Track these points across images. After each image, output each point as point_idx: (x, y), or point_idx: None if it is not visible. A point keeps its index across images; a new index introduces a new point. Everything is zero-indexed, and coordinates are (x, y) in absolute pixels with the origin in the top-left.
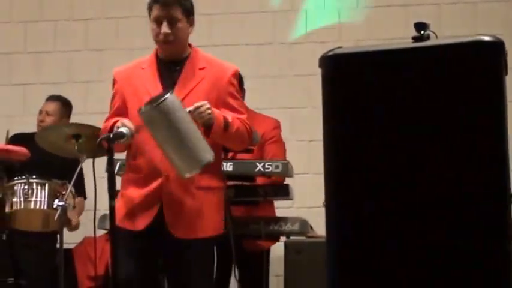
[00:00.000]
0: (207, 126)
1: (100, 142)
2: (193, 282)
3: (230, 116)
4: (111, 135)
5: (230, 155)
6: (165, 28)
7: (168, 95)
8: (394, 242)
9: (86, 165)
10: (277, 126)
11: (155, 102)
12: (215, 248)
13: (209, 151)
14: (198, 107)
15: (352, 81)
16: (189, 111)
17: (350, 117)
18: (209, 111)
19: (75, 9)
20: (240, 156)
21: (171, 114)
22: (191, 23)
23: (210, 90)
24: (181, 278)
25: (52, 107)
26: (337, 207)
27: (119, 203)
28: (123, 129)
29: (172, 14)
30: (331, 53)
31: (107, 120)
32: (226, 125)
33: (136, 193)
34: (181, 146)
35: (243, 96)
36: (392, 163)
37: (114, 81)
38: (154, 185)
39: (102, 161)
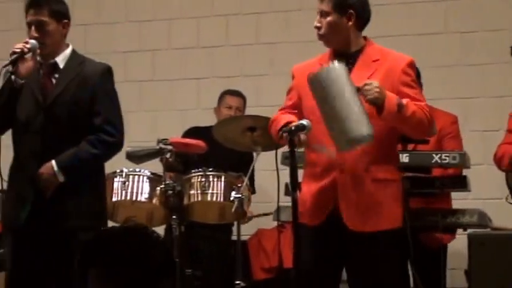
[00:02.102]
0: (376, 106)
1: (281, 135)
2: (378, 277)
3: (405, 100)
4: (293, 128)
5: (411, 146)
6: (315, 21)
7: (334, 64)
8: None
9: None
10: (454, 121)
11: (322, 69)
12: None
13: (367, 126)
14: (366, 84)
15: None
16: (357, 88)
17: None
18: (377, 89)
19: (245, 4)
20: (417, 147)
21: (334, 82)
22: (349, 17)
23: (383, 81)
24: (365, 273)
25: (239, 102)
26: None
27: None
28: (304, 122)
29: (321, 7)
30: None
31: (280, 110)
32: (400, 106)
33: (312, 187)
34: (338, 116)
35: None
36: None
37: (293, 77)
38: (329, 178)
39: (268, 155)
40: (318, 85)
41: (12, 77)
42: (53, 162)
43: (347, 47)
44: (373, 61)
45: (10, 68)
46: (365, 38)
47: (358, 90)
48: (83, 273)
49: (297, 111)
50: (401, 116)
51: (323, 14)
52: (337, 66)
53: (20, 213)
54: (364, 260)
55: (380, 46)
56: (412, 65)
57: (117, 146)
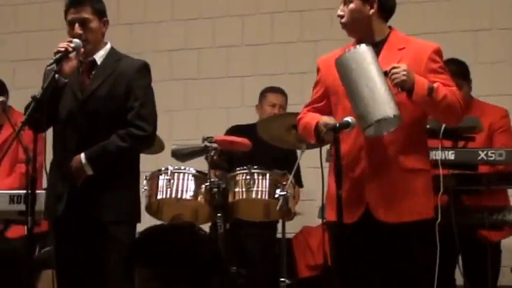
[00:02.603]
0: (404, 89)
1: (326, 132)
2: (410, 267)
3: (436, 83)
4: (338, 125)
5: (461, 143)
6: (338, 10)
7: (360, 46)
8: None
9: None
10: (505, 115)
11: (348, 50)
12: (435, 235)
13: (391, 107)
14: (394, 67)
15: None
16: (385, 72)
17: None
18: (404, 72)
19: (290, 1)
20: (467, 145)
21: (359, 63)
22: (371, 5)
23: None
24: (398, 265)
25: (282, 99)
26: None
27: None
28: (348, 119)
29: None
30: None
31: (306, 106)
32: (430, 89)
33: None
34: (363, 97)
35: (470, 87)
36: None
37: (318, 70)
38: (357, 171)
39: (313, 152)
40: (344, 67)
41: (56, 76)
42: (82, 154)
43: (370, 36)
44: (399, 49)
45: (54, 67)
46: (390, 27)
47: (386, 74)
48: (130, 271)
49: (323, 102)
50: (432, 99)
51: (346, 2)
52: (363, 48)
53: (57, 207)
54: (389, 251)
55: (405, 35)
56: (438, 52)
57: (146, 140)
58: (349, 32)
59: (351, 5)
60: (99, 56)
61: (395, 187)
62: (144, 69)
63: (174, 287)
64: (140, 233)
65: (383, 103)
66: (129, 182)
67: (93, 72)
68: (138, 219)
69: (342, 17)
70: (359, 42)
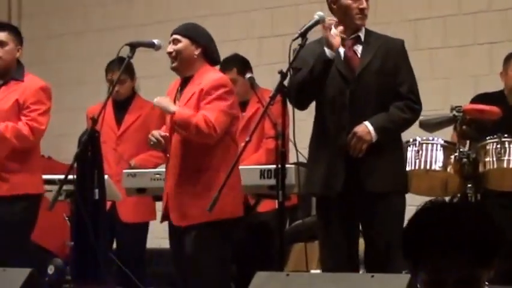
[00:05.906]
0: None
1: None
2: None
3: None
4: None
5: None
6: None
7: None
8: None
9: None
10: None
11: None
12: None
13: None
14: None
15: None
16: None
17: None
18: None
19: None
20: None
21: None
22: None
23: None
24: None
25: None
26: None
27: None
28: None
29: None
30: None
31: None
32: None
33: None
34: None
35: None
36: None
37: None
38: None
39: None
40: None
41: (326, 50)
42: (366, 122)
43: None
44: None
45: (299, 41)
46: None
47: None
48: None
49: None
50: None
51: None
52: None
53: (334, 185)
54: None
55: None
56: None
57: (419, 114)
58: None
59: None
60: (361, 33)
61: None
62: (404, 46)
63: (455, 265)
64: (420, 207)
65: None
66: (399, 152)
67: (359, 49)
68: (408, 189)
69: None
70: None
